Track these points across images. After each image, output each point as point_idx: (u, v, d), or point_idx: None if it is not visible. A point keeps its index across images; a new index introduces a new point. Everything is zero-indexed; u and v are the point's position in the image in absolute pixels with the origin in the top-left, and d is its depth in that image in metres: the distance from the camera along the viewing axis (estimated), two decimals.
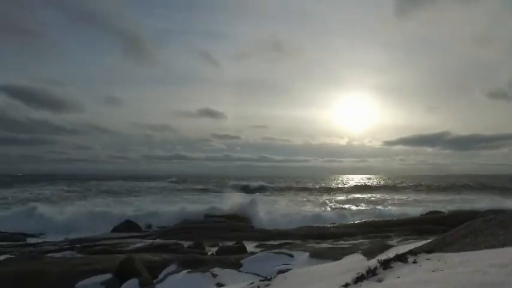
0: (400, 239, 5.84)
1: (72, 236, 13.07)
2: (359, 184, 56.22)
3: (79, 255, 8.48)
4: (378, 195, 32.31)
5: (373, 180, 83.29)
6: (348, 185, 55.87)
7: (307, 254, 4.08)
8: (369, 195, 32.85)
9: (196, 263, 5.94)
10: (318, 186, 47.63)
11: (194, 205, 16.14)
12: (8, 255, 8.93)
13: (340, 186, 52.03)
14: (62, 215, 15.65)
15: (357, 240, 7.58)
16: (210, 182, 46.74)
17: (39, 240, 12.11)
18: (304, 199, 28.83)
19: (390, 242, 5.76)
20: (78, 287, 4.98)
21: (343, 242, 7.38)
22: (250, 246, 9.90)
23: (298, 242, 9.58)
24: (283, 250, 6.14)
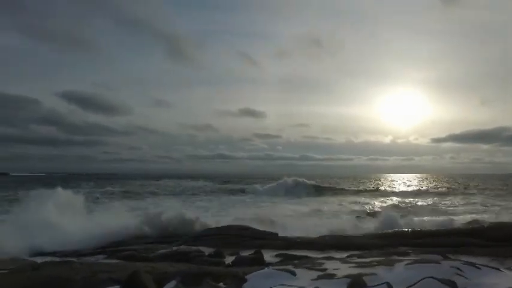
0: (409, 262, 5.57)
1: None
2: (401, 185, 53.65)
3: (107, 260, 9.14)
4: (419, 200, 30.54)
5: (419, 180, 78.88)
6: (390, 186, 53.53)
7: None
8: (410, 199, 31.16)
9: (201, 277, 6.15)
10: (357, 188, 46.17)
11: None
12: (50, 258, 9.86)
13: (381, 187, 49.96)
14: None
15: (373, 257, 7.31)
16: (249, 182, 47.27)
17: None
18: (341, 202, 28.13)
19: (396, 264, 5.51)
20: None
21: (356, 259, 7.17)
22: (271, 255, 9.96)
23: (314, 254, 9.46)
24: (288, 267, 6.13)
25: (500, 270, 5.18)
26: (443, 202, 28.02)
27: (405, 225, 15.64)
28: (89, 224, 13.58)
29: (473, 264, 5.29)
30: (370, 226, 14.96)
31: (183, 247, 10.66)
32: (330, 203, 26.63)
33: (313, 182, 41.97)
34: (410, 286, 4.01)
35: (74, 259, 8.73)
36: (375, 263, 5.96)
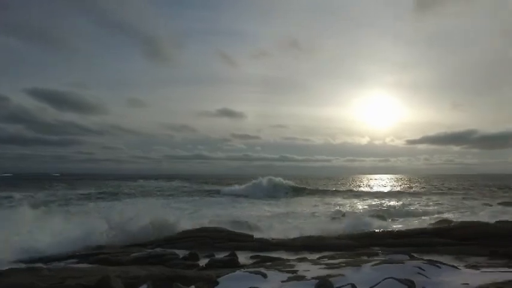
0: (376, 263, 5.78)
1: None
2: (376, 186, 55.09)
3: (78, 265, 8.91)
4: (392, 201, 31.48)
5: (394, 181, 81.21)
6: (366, 187, 54.87)
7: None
8: (384, 200, 32.05)
9: (174, 280, 6.14)
10: (334, 189, 47.04)
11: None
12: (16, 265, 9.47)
13: (358, 188, 51.11)
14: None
15: (344, 258, 7.54)
16: (227, 183, 47.13)
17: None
18: (318, 203, 28.56)
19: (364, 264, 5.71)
20: None
21: (326, 260, 7.36)
22: (246, 257, 10.04)
23: (287, 256, 9.62)
24: (260, 269, 6.23)
25: (457, 268, 5.49)
26: (415, 202, 29.00)
27: (378, 225, 16.13)
28: (61, 228, 13.13)
29: (434, 263, 5.57)
30: (344, 227, 15.30)
31: (157, 250, 10.55)
32: (306, 204, 27.01)
33: (290, 183, 42.36)
34: (373, 286, 4.18)
35: (42, 265, 8.47)
36: (344, 264, 6.16)
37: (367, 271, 5.41)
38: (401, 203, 28.89)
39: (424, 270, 5.29)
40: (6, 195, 28.43)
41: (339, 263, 6.36)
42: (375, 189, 49.16)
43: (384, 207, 25.96)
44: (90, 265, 8.68)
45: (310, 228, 14.85)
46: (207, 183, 58.61)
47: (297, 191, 39.26)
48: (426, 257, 8.31)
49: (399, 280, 4.14)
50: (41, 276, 6.73)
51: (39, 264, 8.63)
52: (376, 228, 14.37)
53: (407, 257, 7.41)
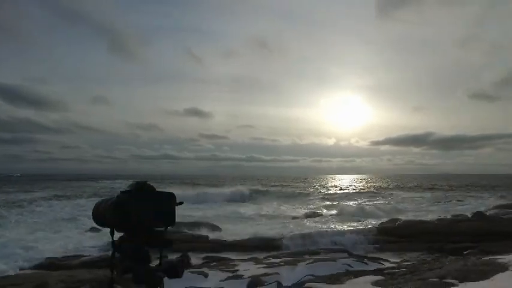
0: (310, 261, 6.17)
1: None
2: (339, 187, 56.94)
3: (20, 271, 8.65)
4: (353, 200, 32.77)
5: (357, 181, 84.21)
6: (330, 188, 56.59)
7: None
8: (342, 202, 33.24)
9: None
10: (298, 190, 48.07)
11: None
12: None
13: (322, 190, 52.59)
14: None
15: (287, 257, 7.92)
16: (190, 184, 46.62)
17: None
18: (279, 205, 28.96)
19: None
20: None
21: (271, 259, 7.71)
22: (198, 257, 10.22)
23: (238, 256, 9.89)
24: (203, 269, 6.44)
25: (381, 264, 6.01)
26: (374, 202, 30.35)
27: (332, 225, 16.80)
28: None
29: (362, 260, 6.06)
30: (299, 228, 15.83)
31: (108, 252, 10.43)
32: (268, 206, 27.43)
33: (252, 187, 42.73)
34: (294, 283, 4.53)
35: None
36: (283, 263, 6.52)
37: (300, 269, 5.78)
38: (359, 202, 30.16)
39: (352, 266, 5.75)
40: None
41: (279, 262, 6.70)
42: (338, 190, 50.79)
43: (344, 207, 26.98)
44: (33, 271, 8.46)
45: (267, 230, 15.25)
46: (172, 184, 57.76)
47: (260, 193, 39.59)
48: (372, 254, 8.98)
49: (316, 277, 4.52)
50: None
51: None
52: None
53: (346, 254, 7.94)
